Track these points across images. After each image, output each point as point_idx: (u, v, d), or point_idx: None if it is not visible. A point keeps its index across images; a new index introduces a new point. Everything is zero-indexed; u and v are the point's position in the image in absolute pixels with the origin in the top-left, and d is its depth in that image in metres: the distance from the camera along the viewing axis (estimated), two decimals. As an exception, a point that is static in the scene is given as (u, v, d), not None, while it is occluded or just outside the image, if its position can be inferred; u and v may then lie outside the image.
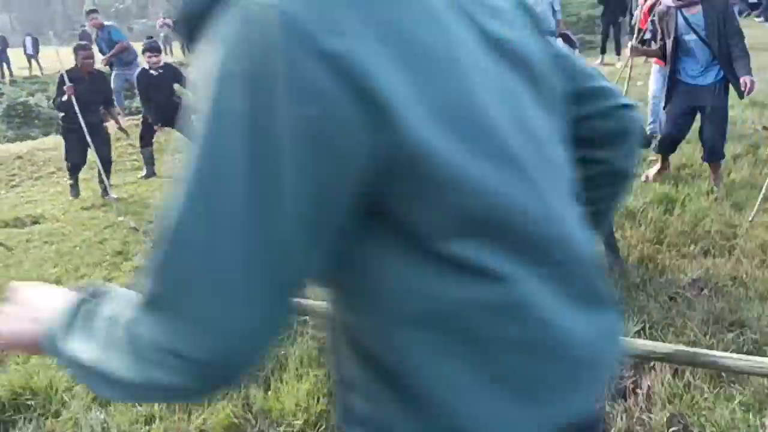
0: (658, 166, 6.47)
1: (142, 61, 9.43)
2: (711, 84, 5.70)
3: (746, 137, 7.83)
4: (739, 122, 8.30)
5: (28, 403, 3.37)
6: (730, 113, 9.20)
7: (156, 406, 3.19)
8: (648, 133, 7.99)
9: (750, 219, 5.03)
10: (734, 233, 4.88)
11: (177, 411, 3.13)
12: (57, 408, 3.31)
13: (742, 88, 5.50)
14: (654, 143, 7.32)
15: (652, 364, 3.26)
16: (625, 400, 3.03)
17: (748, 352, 3.27)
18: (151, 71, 8.71)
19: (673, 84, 5.91)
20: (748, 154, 7.07)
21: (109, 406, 3.25)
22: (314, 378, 3.28)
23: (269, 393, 3.26)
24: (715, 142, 5.83)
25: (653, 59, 7.40)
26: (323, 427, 2.96)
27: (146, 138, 9.01)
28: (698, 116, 6.01)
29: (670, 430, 2.75)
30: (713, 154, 5.92)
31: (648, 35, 7.17)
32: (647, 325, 3.55)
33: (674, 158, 7.18)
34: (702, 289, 3.95)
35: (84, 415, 3.18)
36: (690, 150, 7.44)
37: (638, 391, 3.07)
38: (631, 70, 6.35)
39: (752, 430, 2.68)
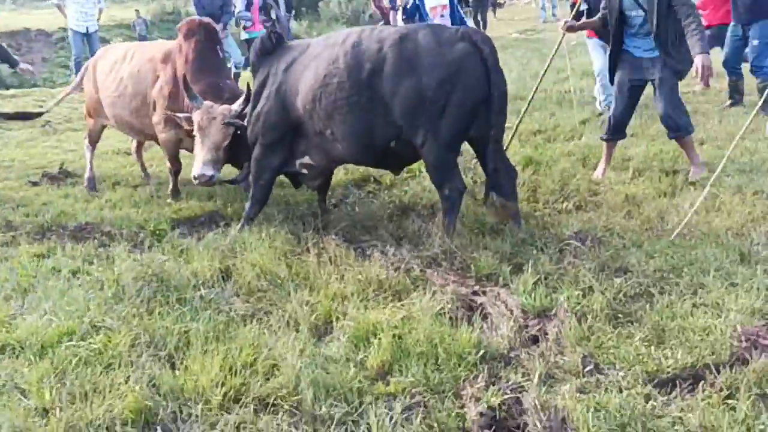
0: (603, 163, 5.73)
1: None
2: (660, 55, 5.19)
3: (589, 105, 8.42)
4: (578, 92, 8.89)
5: None
6: (569, 83, 9.88)
7: (49, 395, 2.88)
8: (600, 110, 8.21)
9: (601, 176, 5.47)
10: (597, 190, 5.23)
11: (76, 399, 2.84)
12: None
13: (694, 74, 4.88)
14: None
15: (554, 311, 3.42)
16: (537, 346, 3.15)
17: (638, 295, 3.53)
18: None
19: (617, 56, 5.45)
20: (594, 120, 7.62)
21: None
22: (225, 352, 3.11)
23: (177, 372, 3.05)
24: (673, 117, 5.27)
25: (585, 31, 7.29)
26: (248, 399, 2.81)
27: None
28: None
29: (585, 369, 2.89)
30: (677, 130, 5.33)
31: (584, 6, 6.63)
32: (543, 276, 3.71)
33: (528, 125, 7.58)
34: (584, 241, 4.19)
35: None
36: (542, 116, 7.90)
37: (547, 337, 3.20)
38: (559, 45, 6.26)
39: (656, 362, 2.88)
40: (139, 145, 6.85)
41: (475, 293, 3.75)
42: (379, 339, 3.13)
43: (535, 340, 3.24)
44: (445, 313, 3.40)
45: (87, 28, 11.64)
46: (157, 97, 5.67)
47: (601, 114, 7.85)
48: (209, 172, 4.91)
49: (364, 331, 3.23)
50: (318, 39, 4.96)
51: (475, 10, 17.46)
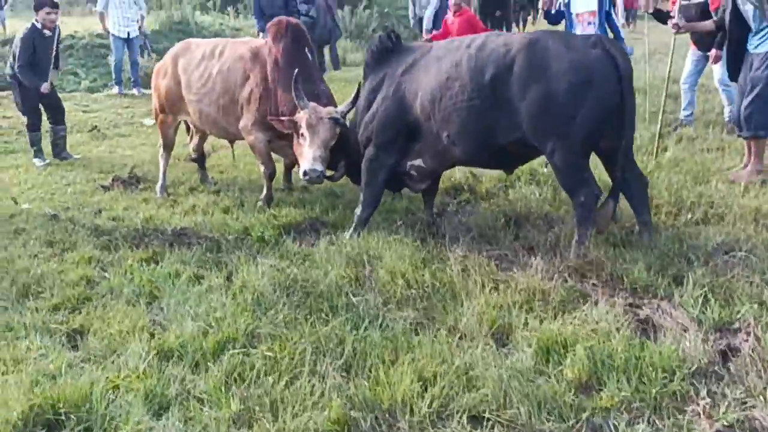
0: (748, 158, 5.88)
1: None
2: (765, 53, 5.47)
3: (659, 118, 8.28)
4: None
5: (59, 419, 2.72)
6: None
7: (235, 406, 2.70)
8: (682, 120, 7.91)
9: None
10: (711, 202, 5.08)
11: (270, 409, 2.66)
12: (101, 421, 2.70)
13: None
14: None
15: (737, 326, 3.27)
16: (736, 361, 2.99)
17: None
18: (45, 30, 7.64)
19: (737, 56, 5.68)
20: (670, 134, 7.47)
21: (175, 409, 2.71)
22: (410, 362, 2.93)
23: (367, 382, 2.87)
24: (755, 115, 5.53)
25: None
26: (454, 412, 2.63)
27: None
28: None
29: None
30: (753, 129, 5.60)
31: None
32: (708, 289, 3.56)
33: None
34: (726, 254, 4.05)
35: (153, 424, 2.61)
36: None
37: (742, 353, 3.04)
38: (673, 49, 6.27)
39: None
40: (201, 140, 6.69)
41: (631, 305, 3.61)
42: (573, 351, 2.98)
43: (726, 354, 3.08)
44: (624, 326, 3.25)
45: (128, 33, 11.53)
46: (246, 100, 5.55)
47: (677, 128, 7.71)
48: (320, 167, 4.82)
49: (552, 342, 3.07)
50: (441, 42, 4.88)
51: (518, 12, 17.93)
